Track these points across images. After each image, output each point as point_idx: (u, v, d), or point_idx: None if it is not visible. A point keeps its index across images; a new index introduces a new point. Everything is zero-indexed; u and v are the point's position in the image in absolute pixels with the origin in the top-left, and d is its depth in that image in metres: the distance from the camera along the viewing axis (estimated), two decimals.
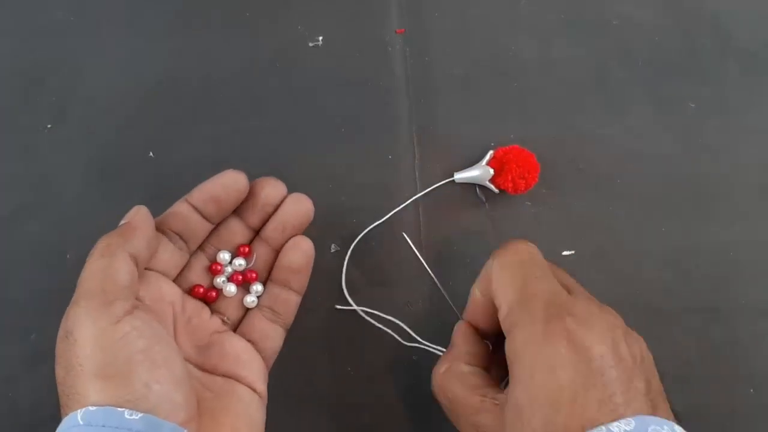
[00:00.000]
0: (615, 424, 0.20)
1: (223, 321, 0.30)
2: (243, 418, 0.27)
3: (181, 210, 0.28)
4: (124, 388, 0.22)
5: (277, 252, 0.31)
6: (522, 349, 0.22)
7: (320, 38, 0.40)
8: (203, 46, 0.40)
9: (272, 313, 0.30)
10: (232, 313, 0.30)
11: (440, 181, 0.37)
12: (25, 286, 0.36)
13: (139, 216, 0.26)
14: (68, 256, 0.36)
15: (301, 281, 0.30)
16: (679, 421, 0.21)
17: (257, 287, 0.31)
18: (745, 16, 0.41)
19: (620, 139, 0.39)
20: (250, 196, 0.29)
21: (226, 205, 0.29)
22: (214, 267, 0.30)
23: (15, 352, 0.34)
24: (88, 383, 0.22)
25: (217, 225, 0.30)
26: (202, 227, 0.29)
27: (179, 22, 0.40)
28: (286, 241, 0.30)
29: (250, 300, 0.30)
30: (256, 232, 0.31)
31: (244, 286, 0.31)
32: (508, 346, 0.23)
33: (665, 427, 0.20)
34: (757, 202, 0.38)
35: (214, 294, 0.30)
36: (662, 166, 0.39)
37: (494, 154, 0.37)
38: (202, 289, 0.30)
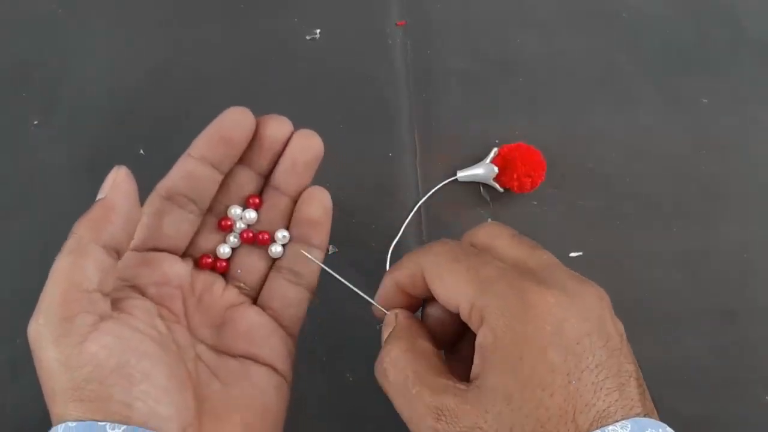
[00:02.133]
0: (611, 428, 0.19)
1: (239, 289, 0.28)
2: (256, 409, 0.25)
3: (186, 167, 0.26)
4: (103, 411, 0.21)
5: (291, 200, 0.29)
6: (503, 333, 0.21)
7: (317, 31, 0.40)
8: (196, 39, 0.40)
9: (293, 274, 0.28)
10: (250, 278, 0.29)
11: (442, 180, 0.37)
12: (9, 288, 0.35)
13: (117, 187, 0.24)
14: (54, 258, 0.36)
15: (322, 235, 0.28)
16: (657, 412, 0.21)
17: (282, 233, 0.28)
18: (760, 7, 0.41)
19: (630, 135, 0.39)
20: (254, 138, 0.27)
21: (236, 145, 0.27)
22: (223, 222, 0.28)
23: None
24: (62, 405, 0.21)
25: (224, 177, 0.28)
26: (212, 180, 0.27)
27: (171, 14, 0.40)
28: (300, 189, 0.28)
29: (276, 250, 0.28)
30: (265, 181, 0.29)
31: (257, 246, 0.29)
32: (484, 337, 0.22)
33: (660, 431, 0.20)
34: None
35: (224, 264, 0.28)
36: (673, 163, 0.38)
37: (499, 151, 0.37)
38: (210, 260, 0.28)
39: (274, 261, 0.29)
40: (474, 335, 0.23)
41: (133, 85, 0.39)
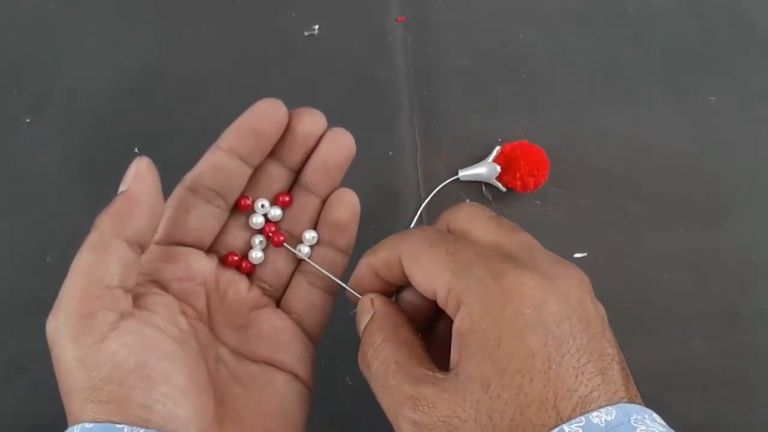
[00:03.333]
0: (594, 413, 0.19)
1: (264, 291, 0.28)
2: (277, 416, 0.25)
3: (215, 159, 0.26)
4: (120, 414, 0.21)
5: (321, 200, 0.28)
6: (480, 318, 0.21)
7: (316, 27, 0.40)
8: (192, 35, 0.40)
9: (318, 278, 0.28)
10: (274, 279, 0.28)
11: (444, 179, 0.37)
12: (1, 290, 0.36)
13: (140, 179, 0.23)
14: (48, 259, 0.36)
15: (348, 239, 0.28)
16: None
17: (310, 234, 0.28)
18: None
19: (635, 134, 0.39)
20: (286, 131, 0.27)
21: (267, 139, 0.26)
22: (243, 202, 0.27)
23: None
24: (79, 405, 0.21)
25: (254, 172, 0.27)
26: (241, 174, 0.27)
27: (166, 9, 0.40)
28: (330, 189, 0.28)
29: (305, 251, 0.28)
30: (295, 178, 0.28)
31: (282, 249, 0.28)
32: (461, 323, 0.21)
33: (646, 416, 0.19)
34: None
35: (250, 265, 0.28)
36: (680, 162, 0.38)
37: (501, 150, 0.37)
38: (237, 258, 0.27)
39: (298, 263, 0.29)
40: (450, 320, 0.23)
41: (127, 83, 0.39)
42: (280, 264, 0.28)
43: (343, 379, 0.34)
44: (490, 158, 0.37)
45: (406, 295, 0.26)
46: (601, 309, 0.22)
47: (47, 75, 0.39)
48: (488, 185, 0.38)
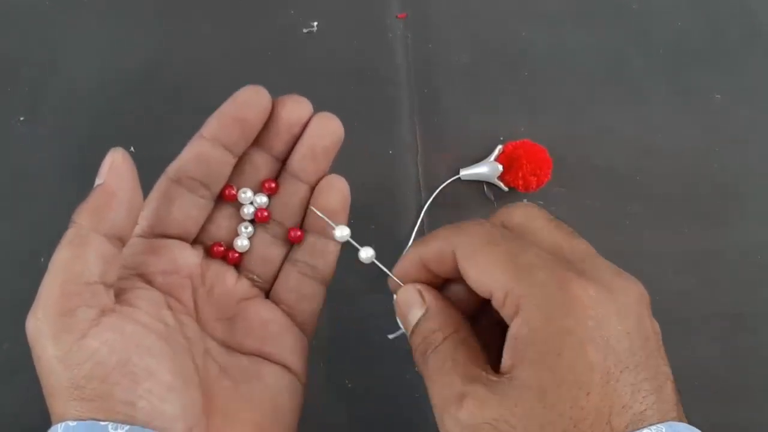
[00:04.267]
0: (644, 431, 0.19)
1: (252, 281, 0.28)
2: (267, 409, 0.25)
3: (198, 149, 0.26)
4: (104, 411, 0.21)
5: (309, 187, 0.28)
6: (540, 326, 0.21)
7: (315, 24, 0.40)
8: (189, 33, 0.40)
9: (309, 267, 0.28)
10: (263, 269, 0.28)
11: (445, 179, 0.37)
12: None
13: (116, 171, 0.23)
14: (42, 260, 0.36)
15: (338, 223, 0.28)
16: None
17: (342, 231, 0.27)
18: None
19: (639, 133, 0.39)
20: (271, 119, 0.26)
21: (252, 126, 0.26)
22: (227, 191, 0.27)
23: None
24: (62, 404, 0.21)
25: (238, 161, 0.27)
26: (225, 163, 0.26)
27: (163, 7, 0.40)
28: (318, 176, 0.28)
29: (366, 256, 0.27)
30: (282, 166, 0.28)
31: (265, 230, 0.28)
32: (519, 328, 0.21)
33: None
34: None
35: (237, 255, 0.28)
36: (685, 161, 0.38)
37: (503, 149, 0.37)
38: (222, 248, 0.27)
39: (288, 252, 0.28)
40: (493, 317, 0.22)
41: (123, 81, 0.39)
42: (269, 253, 0.28)
43: (342, 382, 0.34)
44: (492, 157, 0.37)
45: (454, 289, 0.26)
46: (657, 326, 0.22)
47: (42, 73, 0.39)
48: (490, 185, 0.38)
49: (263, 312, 0.27)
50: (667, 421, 0.20)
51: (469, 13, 0.41)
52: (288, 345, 0.27)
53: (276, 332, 0.27)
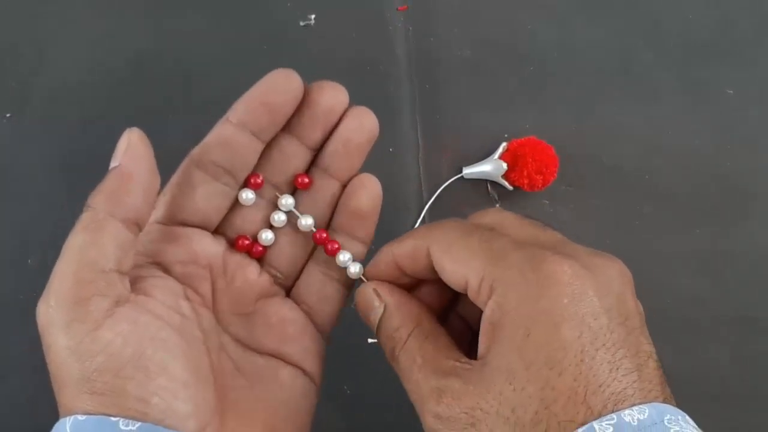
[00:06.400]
0: (627, 411, 0.19)
1: (274, 279, 0.27)
2: (282, 412, 0.25)
3: (224, 133, 0.25)
4: (116, 406, 0.21)
5: (341, 184, 0.27)
6: (513, 307, 0.21)
7: (312, 17, 0.40)
8: (181, 26, 0.40)
9: (334, 269, 0.28)
10: (285, 267, 0.28)
11: (447, 177, 0.37)
12: None
13: (132, 153, 0.23)
14: (29, 262, 0.36)
15: (368, 229, 0.27)
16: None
17: (344, 256, 0.27)
18: None
19: (648, 130, 0.39)
20: (305, 105, 0.26)
21: (281, 112, 0.25)
22: (253, 180, 0.26)
23: None
24: (71, 397, 0.21)
25: (267, 147, 0.27)
26: (253, 149, 0.26)
27: None
28: (350, 173, 0.27)
29: (354, 271, 0.27)
30: (314, 158, 0.27)
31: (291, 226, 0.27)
32: (492, 311, 0.21)
33: (679, 417, 0.19)
34: None
35: (261, 249, 0.27)
36: (695, 160, 0.38)
37: (508, 146, 0.37)
38: (248, 242, 0.27)
39: (312, 251, 0.28)
40: (468, 312, 0.23)
41: (113, 76, 0.39)
42: (294, 249, 0.28)
43: (341, 387, 0.34)
44: (496, 155, 0.37)
45: (424, 291, 0.26)
46: (640, 306, 0.22)
47: (29, 68, 0.39)
48: (494, 184, 0.38)
49: (284, 311, 0.27)
50: (651, 402, 0.19)
51: (472, 4, 0.40)
52: (305, 347, 0.27)
53: (295, 333, 0.27)
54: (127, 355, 0.21)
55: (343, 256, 0.27)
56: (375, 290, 0.26)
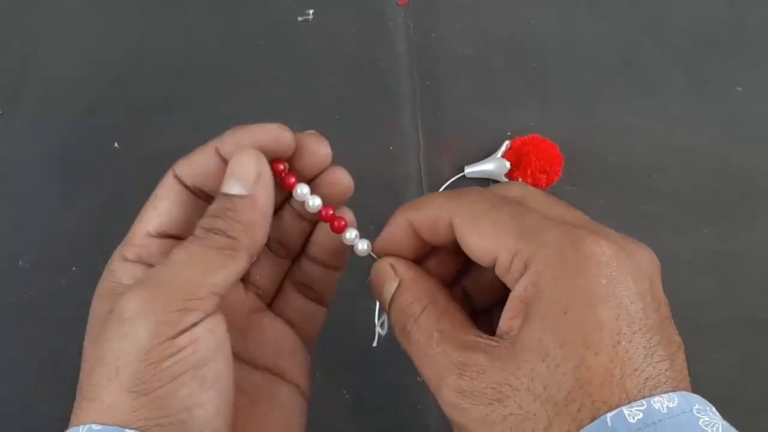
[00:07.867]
0: (657, 398, 0.19)
1: (256, 293, 0.28)
2: (281, 430, 0.26)
3: (213, 164, 0.25)
4: (159, 410, 0.21)
5: (311, 224, 0.28)
6: (550, 285, 0.21)
7: (311, 12, 0.40)
8: (176, 22, 0.40)
9: (310, 290, 0.29)
10: (266, 284, 0.28)
11: (449, 176, 0.37)
12: None
13: (265, 183, 0.24)
14: (21, 263, 0.35)
15: (341, 259, 0.28)
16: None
17: (351, 233, 0.27)
18: None
19: (655, 128, 0.39)
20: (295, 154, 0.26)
21: (271, 157, 0.26)
22: (287, 179, 0.26)
23: None
24: (118, 393, 0.21)
25: None
26: None
27: None
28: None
29: (362, 248, 0.27)
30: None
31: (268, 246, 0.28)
32: (525, 288, 0.21)
33: (707, 408, 0.19)
34: None
35: (293, 181, 0.27)
36: (703, 158, 0.38)
37: (511, 144, 0.37)
38: (293, 179, 0.26)
39: (288, 269, 0.29)
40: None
41: (107, 73, 0.39)
42: (273, 267, 0.28)
43: (341, 393, 0.34)
44: (499, 153, 0.37)
45: (432, 263, 0.26)
46: (665, 298, 0.22)
47: (20, 65, 0.39)
48: (497, 183, 0.37)
49: (277, 327, 0.27)
50: (680, 390, 0.19)
51: (475, 0, 0.40)
52: (299, 362, 0.27)
53: (289, 348, 0.27)
54: (192, 362, 0.21)
55: (350, 234, 0.27)
56: (391, 264, 0.26)
